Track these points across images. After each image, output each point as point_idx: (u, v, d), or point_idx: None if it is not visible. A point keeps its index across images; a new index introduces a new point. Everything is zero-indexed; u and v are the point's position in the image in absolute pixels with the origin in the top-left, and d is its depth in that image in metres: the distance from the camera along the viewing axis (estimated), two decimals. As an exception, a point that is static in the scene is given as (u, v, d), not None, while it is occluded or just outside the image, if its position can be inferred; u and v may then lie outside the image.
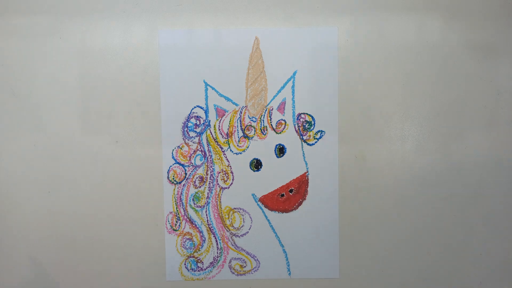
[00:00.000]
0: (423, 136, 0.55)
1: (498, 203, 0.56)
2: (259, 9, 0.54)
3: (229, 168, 0.55)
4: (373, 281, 0.56)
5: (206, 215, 0.56)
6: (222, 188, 0.56)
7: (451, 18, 0.54)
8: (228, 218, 0.56)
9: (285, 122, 0.55)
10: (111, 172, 0.55)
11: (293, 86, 0.55)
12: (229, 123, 0.55)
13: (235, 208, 0.56)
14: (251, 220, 0.56)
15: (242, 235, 0.56)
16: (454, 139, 0.55)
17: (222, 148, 0.55)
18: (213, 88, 0.55)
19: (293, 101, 0.55)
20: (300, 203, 0.56)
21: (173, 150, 0.55)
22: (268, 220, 0.56)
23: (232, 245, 0.56)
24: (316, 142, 0.55)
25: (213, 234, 0.56)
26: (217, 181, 0.56)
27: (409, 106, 0.55)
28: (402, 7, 0.54)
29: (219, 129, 0.55)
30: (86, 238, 0.56)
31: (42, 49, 0.54)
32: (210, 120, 0.55)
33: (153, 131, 0.55)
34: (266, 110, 0.55)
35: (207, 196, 0.56)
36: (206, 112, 0.55)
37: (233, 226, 0.56)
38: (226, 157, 0.55)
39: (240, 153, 0.55)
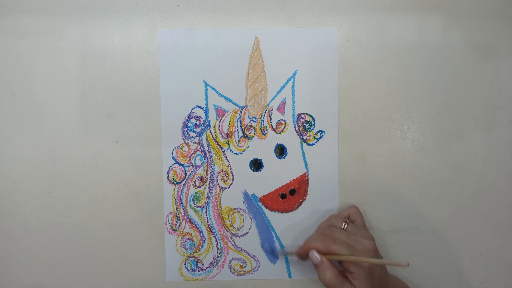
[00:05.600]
0: (423, 136, 0.55)
1: (498, 203, 0.56)
2: (259, 9, 0.54)
3: (229, 168, 0.55)
4: (373, 281, 0.56)
5: (206, 215, 0.56)
6: (222, 188, 0.56)
7: (451, 18, 0.54)
8: (228, 218, 0.56)
9: (285, 122, 0.55)
10: (111, 172, 0.55)
11: (293, 86, 0.55)
12: (229, 123, 0.55)
13: (235, 208, 0.56)
14: (251, 220, 0.56)
15: (242, 235, 0.56)
16: (454, 139, 0.55)
17: (222, 148, 0.55)
18: (213, 88, 0.55)
19: (293, 101, 0.55)
20: (300, 203, 0.56)
21: (173, 150, 0.55)
22: (268, 220, 0.56)
23: (232, 245, 0.56)
24: (316, 142, 0.55)
25: (213, 234, 0.56)
26: (217, 181, 0.56)
27: (409, 106, 0.55)
28: (402, 7, 0.54)
29: (219, 129, 0.55)
30: (86, 238, 0.56)
31: (42, 49, 0.54)
32: (210, 120, 0.55)
33: (153, 131, 0.55)
34: (266, 110, 0.55)
35: (207, 196, 0.56)
36: (206, 112, 0.55)
37: (233, 226, 0.56)
38: (226, 157, 0.55)
39: (240, 153, 0.55)
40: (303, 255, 0.50)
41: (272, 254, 0.56)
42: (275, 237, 0.56)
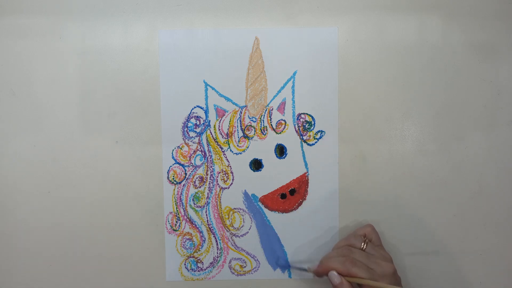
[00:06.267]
0: (423, 136, 0.55)
1: (498, 203, 0.56)
2: (259, 9, 0.54)
3: (229, 168, 0.55)
4: (373, 281, 0.56)
5: (206, 215, 0.56)
6: (222, 188, 0.56)
7: (451, 18, 0.54)
8: (228, 218, 0.56)
9: (285, 122, 0.55)
10: (111, 172, 0.55)
11: (293, 86, 0.55)
12: (229, 123, 0.55)
13: (235, 208, 0.56)
14: (251, 220, 0.56)
15: (242, 235, 0.56)
16: (454, 139, 0.55)
17: (222, 148, 0.55)
18: (213, 88, 0.55)
19: (293, 101, 0.55)
20: (300, 203, 0.56)
21: (173, 150, 0.55)
22: (268, 220, 0.56)
23: (232, 245, 0.56)
24: (316, 142, 0.55)
25: (213, 234, 0.56)
26: (217, 181, 0.56)
27: (409, 106, 0.55)
28: (402, 7, 0.54)
29: (219, 129, 0.55)
30: (86, 238, 0.56)
31: (42, 49, 0.54)
32: (210, 120, 0.55)
33: (153, 131, 0.55)
34: (266, 110, 0.55)
35: (207, 196, 0.56)
36: (206, 112, 0.55)
37: (233, 226, 0.56)
38: (226, 157, 0.55)
39: (240, 153, 0.55)
40: (321, 274, 0.49)
41: (287, 268, 0.56)
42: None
